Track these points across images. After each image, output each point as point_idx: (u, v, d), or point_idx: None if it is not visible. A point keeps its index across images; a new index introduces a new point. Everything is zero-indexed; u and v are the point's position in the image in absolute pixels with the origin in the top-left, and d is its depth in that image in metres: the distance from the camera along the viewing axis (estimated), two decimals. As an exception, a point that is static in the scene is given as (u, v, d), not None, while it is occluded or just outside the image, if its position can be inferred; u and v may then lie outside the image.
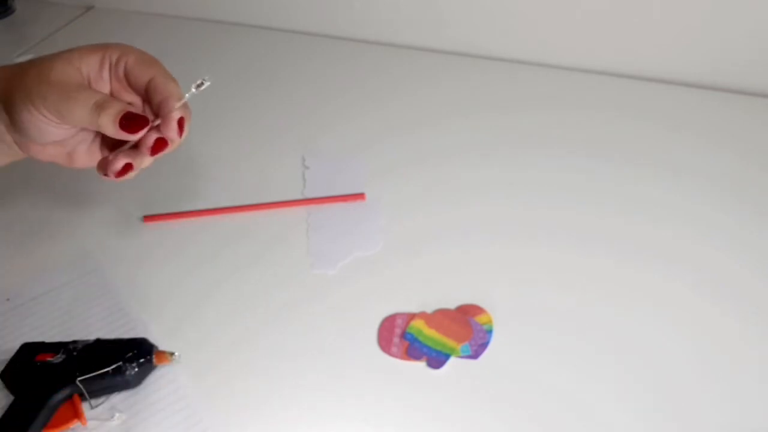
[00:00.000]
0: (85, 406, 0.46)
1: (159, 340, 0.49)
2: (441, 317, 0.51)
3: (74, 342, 0.49)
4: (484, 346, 0.49)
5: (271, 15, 0.92)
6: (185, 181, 0.67)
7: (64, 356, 0.47)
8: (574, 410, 0.45)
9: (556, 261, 0.55)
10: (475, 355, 0.48)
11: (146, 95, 0.42)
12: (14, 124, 0.41)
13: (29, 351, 0.48)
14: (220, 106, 0.78)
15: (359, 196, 0.63)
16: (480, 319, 0.51)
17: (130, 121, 0.40)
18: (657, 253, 0.55)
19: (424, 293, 0.53)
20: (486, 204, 0.62)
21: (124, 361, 0.46)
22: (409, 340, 0.49)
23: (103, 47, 0.42)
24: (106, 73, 0.43)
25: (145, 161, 0.42)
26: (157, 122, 0.41)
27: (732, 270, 0.54)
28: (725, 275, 0.53)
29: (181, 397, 0.47)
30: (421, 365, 0.48)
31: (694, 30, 0.73)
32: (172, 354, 0.48)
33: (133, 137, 0.41)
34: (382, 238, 0.59)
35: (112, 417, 0.46)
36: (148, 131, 0.41)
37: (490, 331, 0.50)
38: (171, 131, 0.41)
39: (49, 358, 0.47)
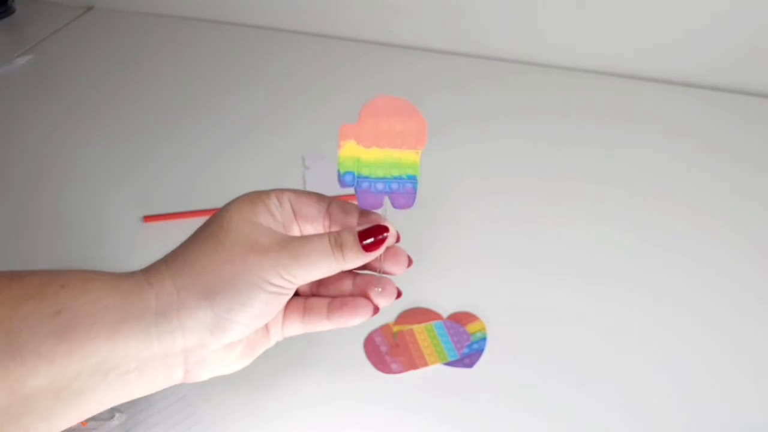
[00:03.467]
0: (85, 406, 0.46)
1: (159, 340, 0.49)
2: (375, 122, 0.36)
3: (74, 342, 0.48)
4: (479, 353, 0.49)
5: (271, 15, 0.92)
6: (185, 181, 0.67)
7: (64, 356, 0.47)
8: (574, 416, 0.45)
9: (553, 266, 0.55)
10: (469, 364, 0.48)
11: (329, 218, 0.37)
12: (225, 326, 0.33)
13: (29, 351, 0.48)
14: (220, 106, 0.78)
15: (359, 196, 0.63)
16: (473, 326, 0.50)
17: (371, 236, 0.35)
18: (656, 255, 0.55)
19: (419, 297, 0.53)
20: (485, 206, 0.62)
21: (124, 361, 0.46)
22: (350, 182, 0.35)
23: (258, 197, 0.36)
24: (278, 216, 0.36)
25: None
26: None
27: (732, 269, 0.54)
28: (725, 275, 0.53)
29: (181, 398, 0.47)
30: (418, 373, 0.48)
31: (694, 30, 0.73)
32: (172, 354, 0.48)
33: (381, 250, 0.36)
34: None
35: (112, 417, 0.46)
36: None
37: (484, 339, 0.49)
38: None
39: (49, 358, 0.47)
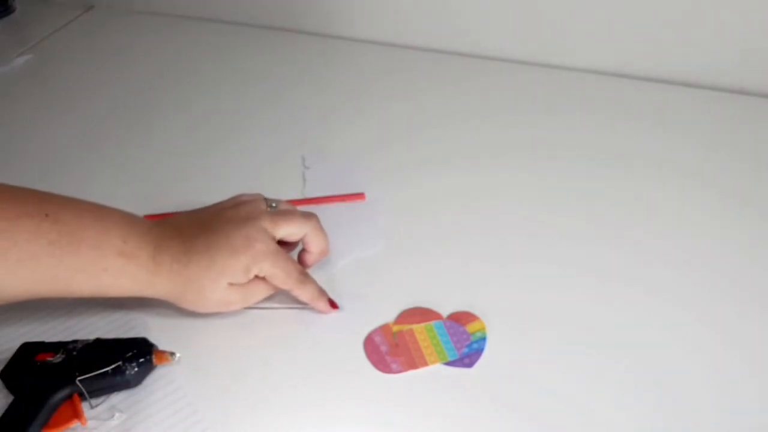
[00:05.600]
0: (85, 406, 0.46)
1: (159, 340, 0.49)
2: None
3: (74, 342, 0.49)
4: (478, 353, 0.48)
5: (271, 15, 0.92)
6: (185, 180, 0.67)
7: (63, 356, 0.47)
8: (574, 416, 0.45)
9: (554, 265, 0.55)
10: (469, 364, 0.48)
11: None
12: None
13: (29, 351, 0.48)
14: (221, 106, 0.78)
15: (359, 195, 0.63)
16: (473, 326, 0.50)
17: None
18: (656, 254, 0.55)
19: (419, 297, 0.53)
20: (485, 206, 0.62)
21: (123, 360, 0.46)
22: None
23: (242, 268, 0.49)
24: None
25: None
26: None
27: (732, 270, 0.54)
28: (724, 275, 0.53)
29: (181, 397, 0.47)
30: (418, 373, 0.48)
31: (694, 30, 0.73)
32: (172, 354, 0.48)
33: None
34: (381, 238, 0.59)
35: (112, 417, 0.46)
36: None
37: (484, 339, 0.49)
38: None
39: (49, 358, 0.47)
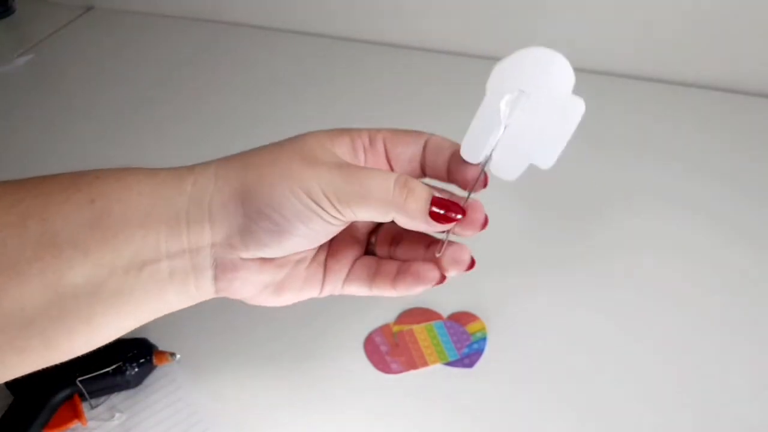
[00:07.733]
0: (85, 406, 0.46)
1: (159, 340, 0.49)
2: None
3: (74, 342, 0.49)
4: (478, 353, 0.49)
5: (270, 15, 0.92)
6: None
7: (64, 356, 0.47)
8: (574, 416, 0.45)
9: (555, 265, 0.55)
10: (469, 364, 0.48)
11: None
12: (257, 235, 0.31)
13: (29, 351, 0.49)
14: (220, 107, 0.78)
15: (359, 196, 0.63)
16: (473, 326, 0.50)
17: (444, 208, 0.32)
18: (656, 254, 0.55)
19: (419, 297, 0.53)
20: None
21: (124, 361, 0.46)
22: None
23: (347, 130, 0.35)
24: (361, 156, 0.34)
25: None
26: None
27: (735, 269, 0.54)
28: (728, 275, 0.53)
29: (181, 397, 0.47)
30: (418, 373, 0.48)
31: (695, 30, 0.73)
32: (172, 354, 0.48)
33: (444, 227, 0.33)
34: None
35: (112, 417, 0.46)
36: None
37: (484, 339, 0.50)
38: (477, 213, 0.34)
39: (49, 358, 0.47)
